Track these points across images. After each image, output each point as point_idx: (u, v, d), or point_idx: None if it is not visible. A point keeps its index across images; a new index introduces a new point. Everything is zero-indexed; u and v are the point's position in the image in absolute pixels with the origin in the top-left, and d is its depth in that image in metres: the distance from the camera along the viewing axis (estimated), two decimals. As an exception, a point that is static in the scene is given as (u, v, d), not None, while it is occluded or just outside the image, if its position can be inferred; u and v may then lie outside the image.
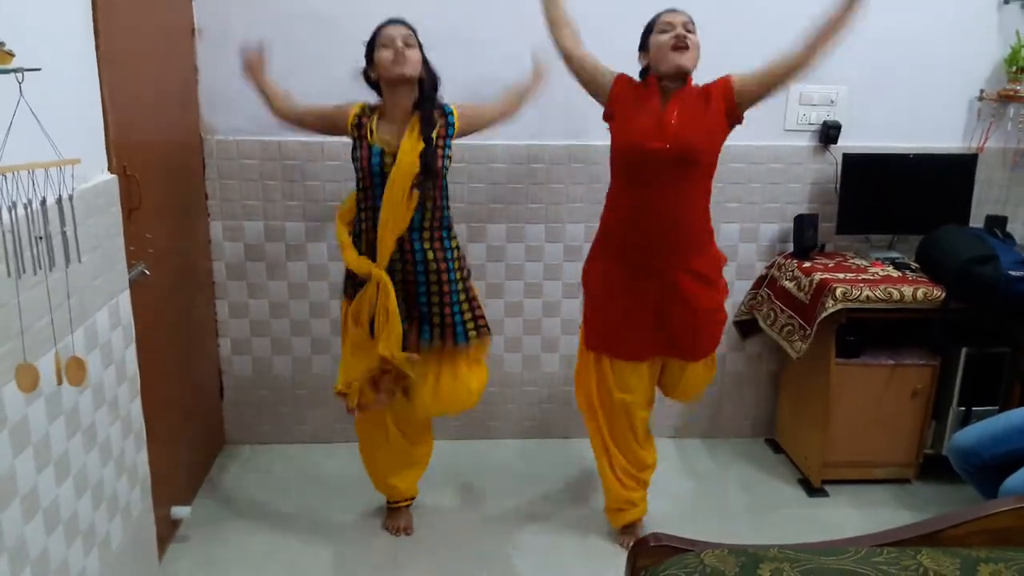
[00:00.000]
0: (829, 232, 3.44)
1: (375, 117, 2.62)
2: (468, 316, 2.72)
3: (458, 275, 2.70)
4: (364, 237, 2.63)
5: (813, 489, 3.28)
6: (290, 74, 3.12)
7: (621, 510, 2.93)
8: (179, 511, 2.83)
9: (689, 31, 2.50)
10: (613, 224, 2.67)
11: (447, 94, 2.67)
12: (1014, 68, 3.29)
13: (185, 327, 3.03)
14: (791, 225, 3.39)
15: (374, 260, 2.59)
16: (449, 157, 2.62)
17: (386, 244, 2.57)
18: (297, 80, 3.13)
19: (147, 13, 2.62)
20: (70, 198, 1.66)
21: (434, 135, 2.56)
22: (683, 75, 2.52)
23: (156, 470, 2.54)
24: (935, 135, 3.43)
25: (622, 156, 2.57)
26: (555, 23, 2.64)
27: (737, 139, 3.26)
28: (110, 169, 2.25)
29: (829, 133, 3.35)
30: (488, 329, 2.78)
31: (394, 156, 2.52)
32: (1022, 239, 3.46)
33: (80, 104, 2.09)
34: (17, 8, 1.75)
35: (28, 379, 1.63)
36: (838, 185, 3.37)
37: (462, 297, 2.71)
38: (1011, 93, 3.30)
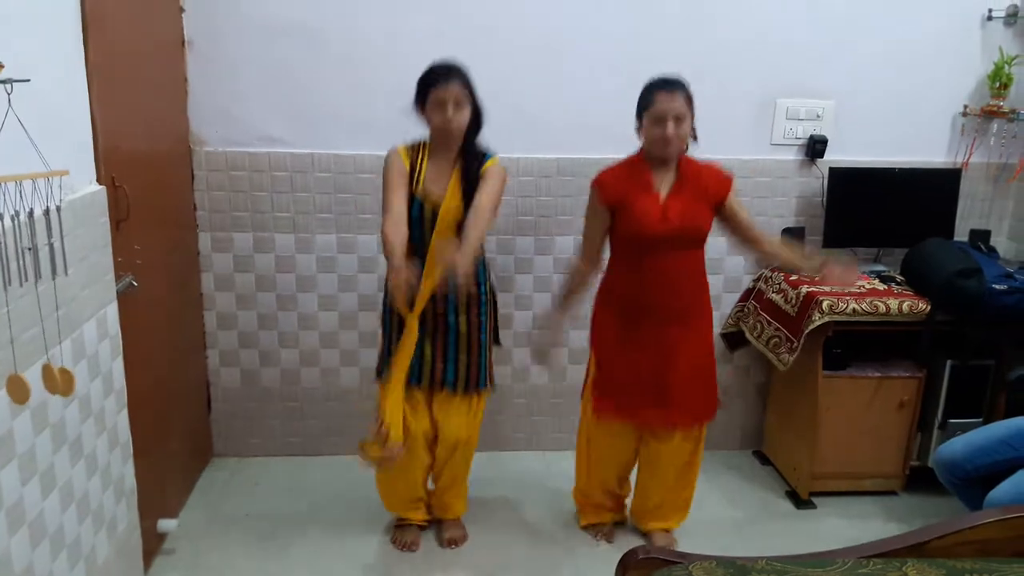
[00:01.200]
0: (815, 245, 3.46)
1: (423, 157, 2.64)
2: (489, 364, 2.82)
3: (488, 319, 2.78)
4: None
5: (801, 501, 3.29)
6: (278, 88, 3.15)
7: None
8: (166, 524, 2.81)
9: (680, 120, 2.53)
10: (617, 289, 2.78)
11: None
12: (997, 84, 3.33)
13: (173, 339, 3.02)
14: (778, 238, 3.41)
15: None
16: None
17: (424, 294, 2.63)
18: (285, 94, 3.16)
19: (137, 25, 2.62)
20: (58, 209, 1.66)
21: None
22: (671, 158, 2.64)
23: (143, 483, 2.52)
24: (920, 150, 3.46)
25: (627, 240, 2.69)
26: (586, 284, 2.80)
27: (724, 153, 3.32)
28: (99, 180, 2.25)
29: (815, 147, 3.38)
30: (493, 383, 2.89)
31: (434, 210, 2.59)
32: (1006, 253, 3.50)
33: (69, 115, 2.09)
34: (6, 20, 1.75)
35: (19, 391, 1.62)
36: (824, 199, 3.40)
37: (489, 341, 2.80)
38: (994, 108, 3.34)
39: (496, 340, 2.88)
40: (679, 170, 2.65)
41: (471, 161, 2.63)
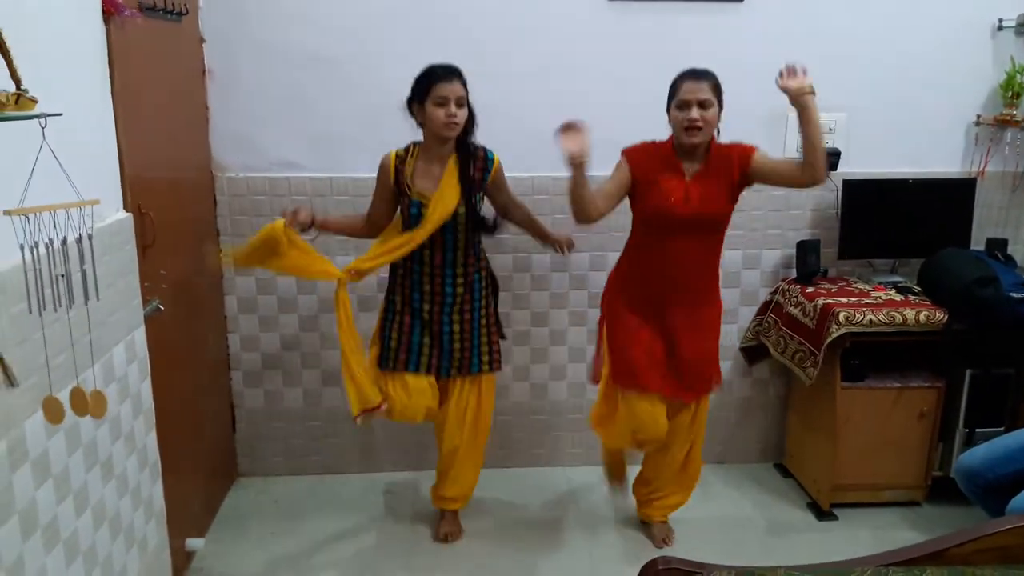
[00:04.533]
0: (831, 257, 3.47)
1: (412, 160, 2.77)
2: (485, 348, 2.94)
3: (482, 303, 2.92)
4: (401, 277, 2.89)
5: (823, 513, 3.29)
6: (297, 114, 3.21)
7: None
8: (193, 543, 2.86)
9: (705, 106, 2.60)
10: (633, 270, 2.84)
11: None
12: (1009, 93, 3.34)
13: (198, 361, 3.08)
14: (793, 251, 3.43)
15: (410, 300, 2.88)
16: (482, 198, 2.86)
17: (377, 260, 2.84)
18: (303, 120, 3.22)
19: (160, 56, 2.69)
20: (89, 237, 1.72)
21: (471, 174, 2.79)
22: (699, 147, 2.69)
23: (171, 502, 2.57)
24: (934, 160, 3.48)
25: (649, 218, 2.73)
26: (584, 203, 2.60)
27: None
28: (125, 207, 2.31)
29: (829, 160, 3.38)
30: (499, 364, 3.00)
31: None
32: (1023, 261, 3.49)
33: (97, 145, 2.16)
34: (37, 55, 1.81)
35: (55, 412, 1.67)
36: (839, 211, 3.42)
37: (483, 323, 2.92)
38: (1007, 118, 3.34)
39: (501, 334, 3.03)
40: (707, 157, 2.70)
41: (468, 159, 2.76)
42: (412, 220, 2.74)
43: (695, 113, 2.59)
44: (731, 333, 3.57)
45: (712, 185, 2.68)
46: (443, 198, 2.71)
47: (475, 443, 3.03)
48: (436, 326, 2.86)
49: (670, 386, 2.83)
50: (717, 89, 2.64)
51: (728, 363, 3.60)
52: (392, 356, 2.88)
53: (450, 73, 2.65)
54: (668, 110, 2.71)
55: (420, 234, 2.73)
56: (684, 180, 2.67)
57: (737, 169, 2.69)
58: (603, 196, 2.65)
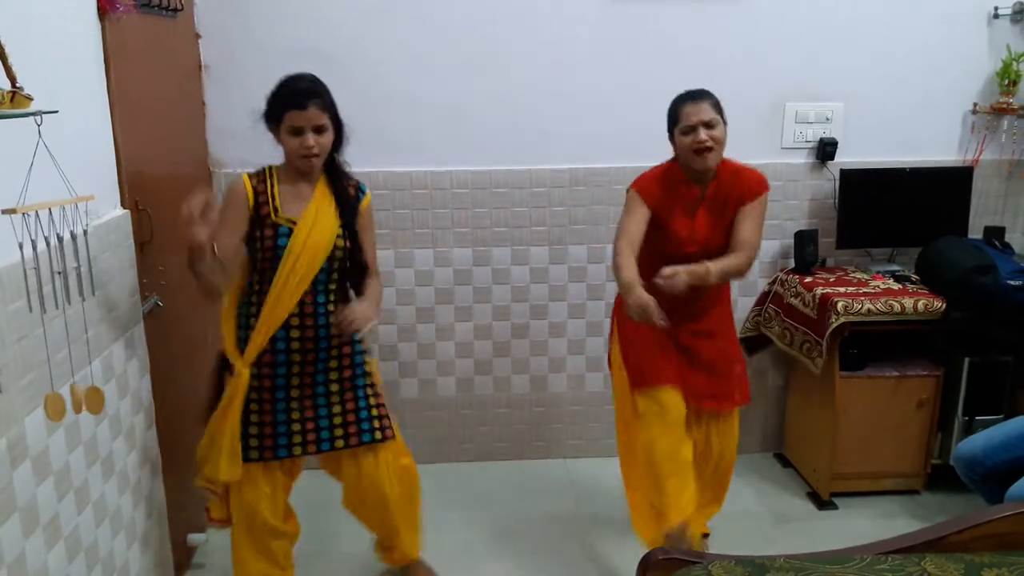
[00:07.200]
0: (829, 247, 3.48)
1: (272, 184, 2.33)
2: (375, 411, 2.50)
3: (364, 357, 2.50)
4: (253, 324, 2.35)
5: (822, 502, 3.30)
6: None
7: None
8: (195, 538, 2.86)
9: (711, 125, 2.49)
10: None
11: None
12: (1006, 81, 3.34)
13: (197, 357, 3.07)
14: (791, 241, 3.43)
15: (271, 364, 2.38)
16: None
17: (261, 338, 2.34)
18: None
19: (156, 52, 2.69)
20: (85, 234, 1.72)
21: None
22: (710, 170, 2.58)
23: (171, 498, 2.58)
24: (931, 149, 3.48)
25: (656, 252, 2.58)
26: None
27: (735, 158, 3.34)
28: (123, 204, 2.32)
29: (826, 150, 3.40)
30: (391, 428, 2.53)
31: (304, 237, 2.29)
32: (1021, 249, 3.50)
33: (94, 142, 2.16)
34: (33, 53, 1.81)
35: (56, 408, 1.68)
36: (836, 200, 3.42)
37: (368, 381, 2.50)
38: (1004, 106, 3.34)
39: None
40: (716, 178, 2.60)
41: (343, 185, 2.40)
42: (278, 252, 2.26)
43: (703, 134, 2.47)
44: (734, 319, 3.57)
45: (718, 215, 2.59)
46: (318, 222, 2.29)
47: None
48: (308, 390, 2.42)
49: (695, 395, 2.70)
50: (718, 107, 2.53)
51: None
52: (258, 443, 2.42)
53: (304, 97, 2.22)
54: (671, 138, 2.58)
55: (287, 266, 2.26)
56: (692, 213, 2.59)
57: (739, 203, 2.58)
58: (633, 245, 2.51)
